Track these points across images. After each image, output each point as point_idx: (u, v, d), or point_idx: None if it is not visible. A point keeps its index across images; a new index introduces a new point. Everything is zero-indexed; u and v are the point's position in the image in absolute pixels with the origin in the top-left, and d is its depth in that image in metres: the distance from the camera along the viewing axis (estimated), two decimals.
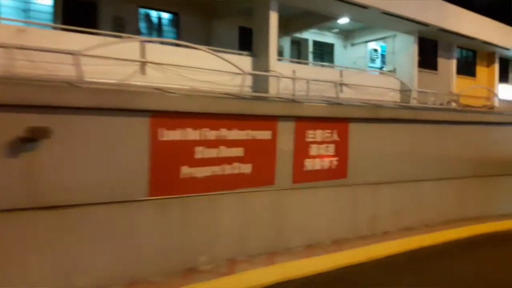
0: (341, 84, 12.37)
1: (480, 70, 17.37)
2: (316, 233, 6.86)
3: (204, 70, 9.69)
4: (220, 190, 5.76)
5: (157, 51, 9.47)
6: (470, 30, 14.82)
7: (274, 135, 6.39)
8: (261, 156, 6.26)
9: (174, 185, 5.32)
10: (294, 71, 10.07)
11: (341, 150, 7.33)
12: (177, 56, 9.57)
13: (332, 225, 7.11)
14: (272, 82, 10.47)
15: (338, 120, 7.28)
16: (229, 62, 9.21)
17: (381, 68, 15.70)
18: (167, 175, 5.27)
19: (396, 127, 8.08)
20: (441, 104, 13.09)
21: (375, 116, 7.78)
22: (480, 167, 9.54)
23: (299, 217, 6.69)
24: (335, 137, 7.24)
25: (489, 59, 17.51)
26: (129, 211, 5.00)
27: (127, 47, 8.88)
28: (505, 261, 6.83)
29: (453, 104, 14.52)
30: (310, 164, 6.92)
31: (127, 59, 8.41)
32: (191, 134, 5.47)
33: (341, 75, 12.10)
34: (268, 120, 6.32)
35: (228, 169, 5.86)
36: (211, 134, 5.67)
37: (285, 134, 6.54)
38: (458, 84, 15.78)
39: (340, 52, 15.82)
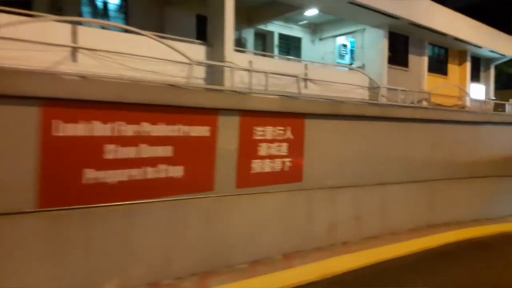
0: (306, 79, 11.49)
1: (452, 68, 16.88)
2: (264, 246, 5.89)
3: (150, 59, 8.61)
4: (140, 199, 4.70)
5: (94, 36, 8.30)
6: (442, 26, 14.23)
7: (213, 131, 5.38)
8: (196, 156, 5.24)
9: (74, 193, 4.22)
10: (250, 62, 9.07)
11: (296, 149, 6.39)
12: (119, 43, 8.44)
13: (284, 236, 6.15)
14: (228, 75, 9.46)
15: (292, 115, 6.34)
16: (175, 50, 8.14)
17: (350, 64, 14.94)
18: (64, 180, 4.16)
19: (359, 125, 7.22)
20: (412, 103, 12.43)
21: (336, 112, 6.88)
22: (450, 169, 8.84)
23: (244, 228, 5.70)
24: (289, 135, 6.30)
25: (461, 57, 17.05)
26: (10, 227, 3.86)
27: (60, 30, 7.71)
28: (479, 274, 6.06)
29: (424, 103, 13.91)
30: (258, 166, 5.95)
31: (51, 43, 7.25)
32: (100, 128, 4.38)
33: (305, 69, 11.17)
34: (206, 114, 5.30)
35: (151, 173, 4.80)
36: (128, 129, 4.59)
37: (228, 131, 5.54)
38: (429, 83, 15.20)
39: (308, 47, 14.96)
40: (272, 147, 6.10)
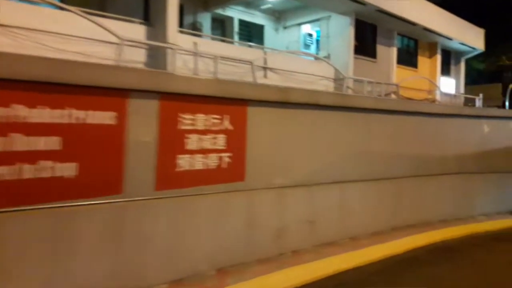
0: (265, 68, 10.50)
1: (422, 61, 16.28)
2: (192, 260, 4.83)
3: (79, 39, 7.41)
4: (11, 206, 3.55)
5: (5, 9, 7.03)
6: (411, 14, 13.52)
7: (121, 118, 4.27)
8: (96, 150, 4.12)
9: None
10: (195, 44, 7.98)
11: (236, 142, 5.36)
12: (41, 19, 7.20)
13: (219, 247, 5.11)
14: (172, 60, 8.34)
15: (231, 101, 5.30)
16: (101, 27, 6.98)
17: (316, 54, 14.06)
18: None
19: (313, 115, 6.26)
20: (379, 95, 11.65)
21: (285, 99, 5.89)
22: (418, 165, 8.03)
23: (165, 240, 4.61)
24: (227, 125, 5.26)
25: (431, 49, 16.48)
26: None
27: None
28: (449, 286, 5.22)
29: (393, 96, 13.20)
30: (186, 163, 4.88)
31: None
32: None
33: (265, 54, 10.15)
34: (109, 96, 4.18)
35: (29, 171, 3.65)
36: None
37: (142, 118, 4.45)
38: (399, 75, 14.50)
39: (272, 35, 13.99)
40: (204, 140, 5.05)
